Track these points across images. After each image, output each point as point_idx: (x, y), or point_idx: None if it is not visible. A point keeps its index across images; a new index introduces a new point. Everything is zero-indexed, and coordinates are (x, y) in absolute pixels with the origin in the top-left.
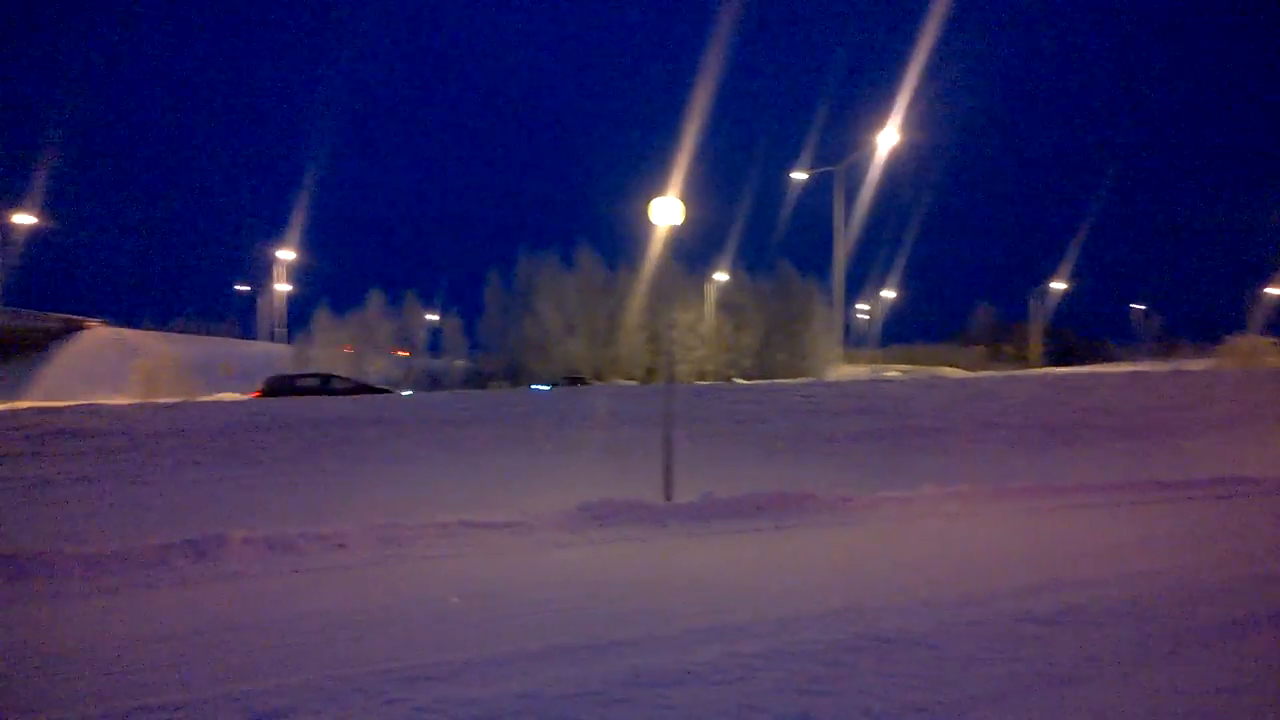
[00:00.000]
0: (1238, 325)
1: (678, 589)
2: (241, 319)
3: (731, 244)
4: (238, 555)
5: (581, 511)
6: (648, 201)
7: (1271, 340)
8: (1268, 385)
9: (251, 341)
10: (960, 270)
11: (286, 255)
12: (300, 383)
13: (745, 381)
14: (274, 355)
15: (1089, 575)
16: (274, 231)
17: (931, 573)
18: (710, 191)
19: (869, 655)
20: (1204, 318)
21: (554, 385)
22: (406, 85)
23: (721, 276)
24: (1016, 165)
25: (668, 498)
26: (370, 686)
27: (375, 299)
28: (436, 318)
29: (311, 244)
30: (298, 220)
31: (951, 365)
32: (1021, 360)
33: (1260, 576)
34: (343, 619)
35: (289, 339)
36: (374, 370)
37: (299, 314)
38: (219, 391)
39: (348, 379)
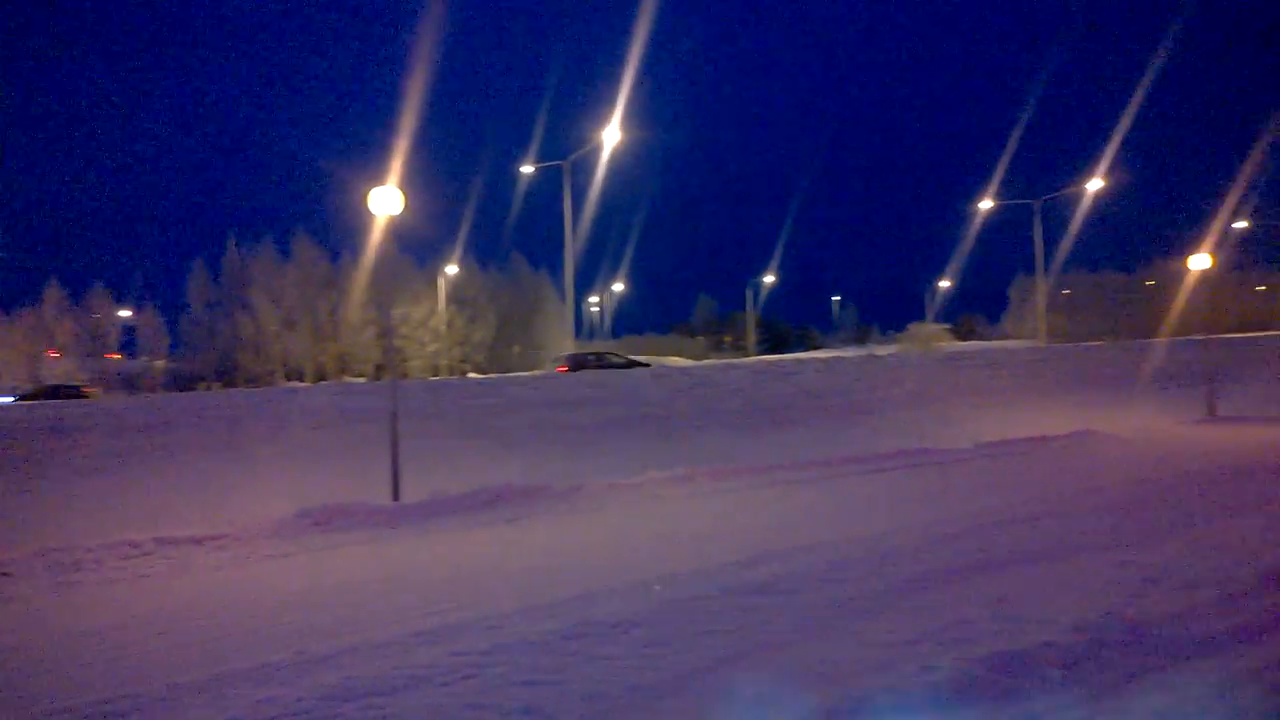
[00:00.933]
0: (918, 314)
1: (402, 591)
2: None
3: (464, 237)
4: None
5: (300, 518)
6: (369, 190)
7: (946, 327)
8: (943, 367)
9: None
10: (685, 264)
11: None
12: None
13: (480, 375)
14: None
15: (796, 544)
16: None
17: (655, 553)
18: (442, 184)
19: (593, 640)
20: (890, 308)
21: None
22: (95, 52)
23: (453, 270)
24: (734, 165)
25: (396, 498)
26: None
27: (53, 294)
28: (130, 314)
29: None
30: None
31: (677, 355)
32: (740, 349)
33: (943, 536)
34: None
35: None
36: (53, 375)
37: None
38: None
39: (620, 355)
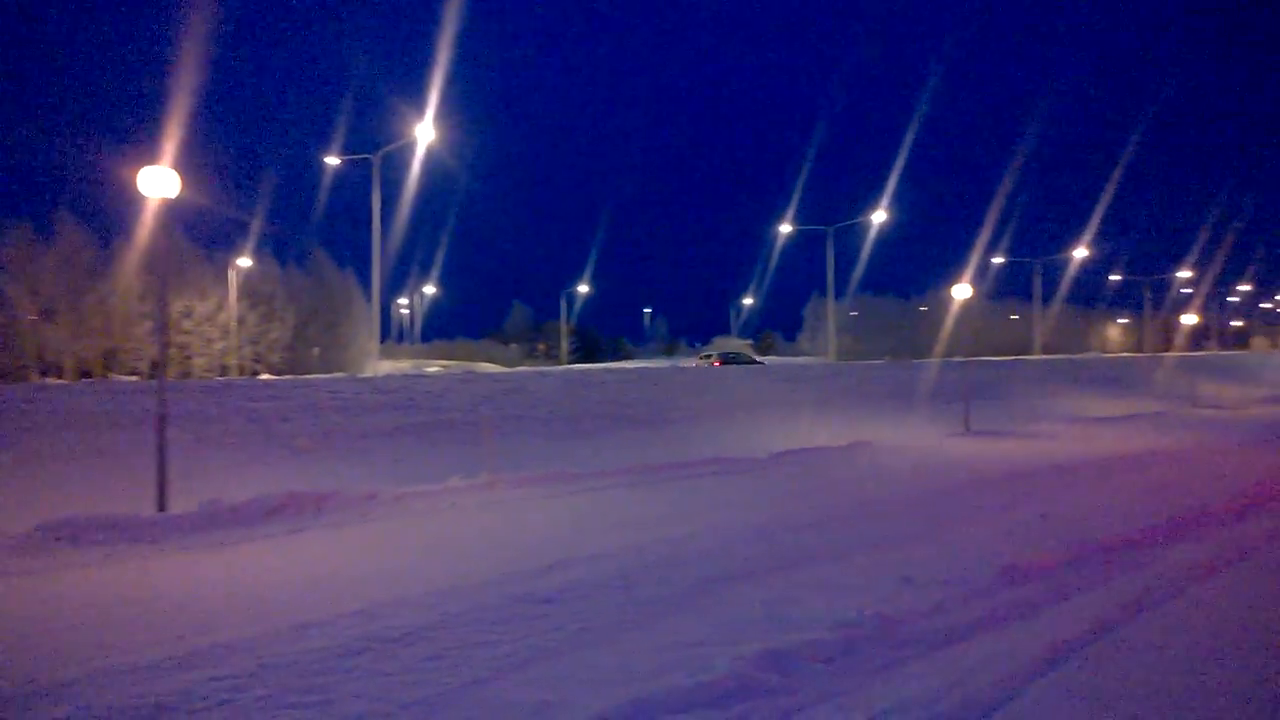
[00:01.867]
0: (724, 329)
1: (156, 611)
2: None
3: (261, 230)
4: None
5: (42, 532)
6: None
7: (748, 342)
8: (744, 379)
9: None
10: (501, 270)
11: None
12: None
13: (272, 377)
14: None
15: (591, 551)
16: None
17: (448, 563)
18: (241, 173)
19: (371, 656)
20: (699, 322)
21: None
22: None
23: (247, 263)
24: (552, 174)
25: (161, 508)
26: None
27: None
28: None
29: None
30: None
31: (490, 361)
32: (553, 358)
33: (730, 541)
34: None
35: None
36: None
37: None
38: None
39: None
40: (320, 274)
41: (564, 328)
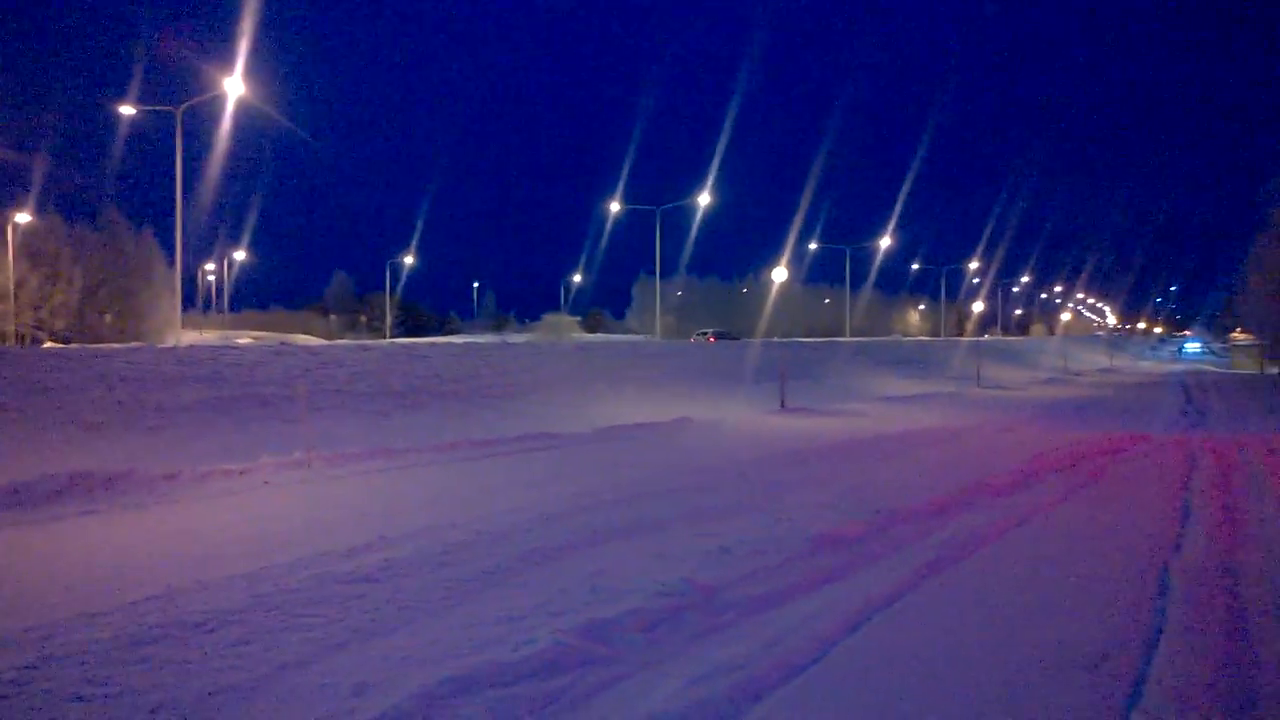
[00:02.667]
0: (554, 305)
1: None
2: None
3: (44, 182)
4: None
5: None
6: None
7: (577, 319)
8: (571, 356)
9: None
10: (321, 238)
11: None
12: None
13: (57, 345)
14: None
15: (412, 528)
16: None
17: (256, 543)
18: (16, 116)
19: (172, 644)
20: (530, 298)
21: None
22: None
23: (27, 219)
24: (380, 141)
25: None
26: None
27: None
28: None
29: None
30: None
31: (308, 333)
32: (376, 331)
33: (555, 515)
34: None
35: None
36: None
37: None
38: None
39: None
40: (114, 234)
41: (389, 300)
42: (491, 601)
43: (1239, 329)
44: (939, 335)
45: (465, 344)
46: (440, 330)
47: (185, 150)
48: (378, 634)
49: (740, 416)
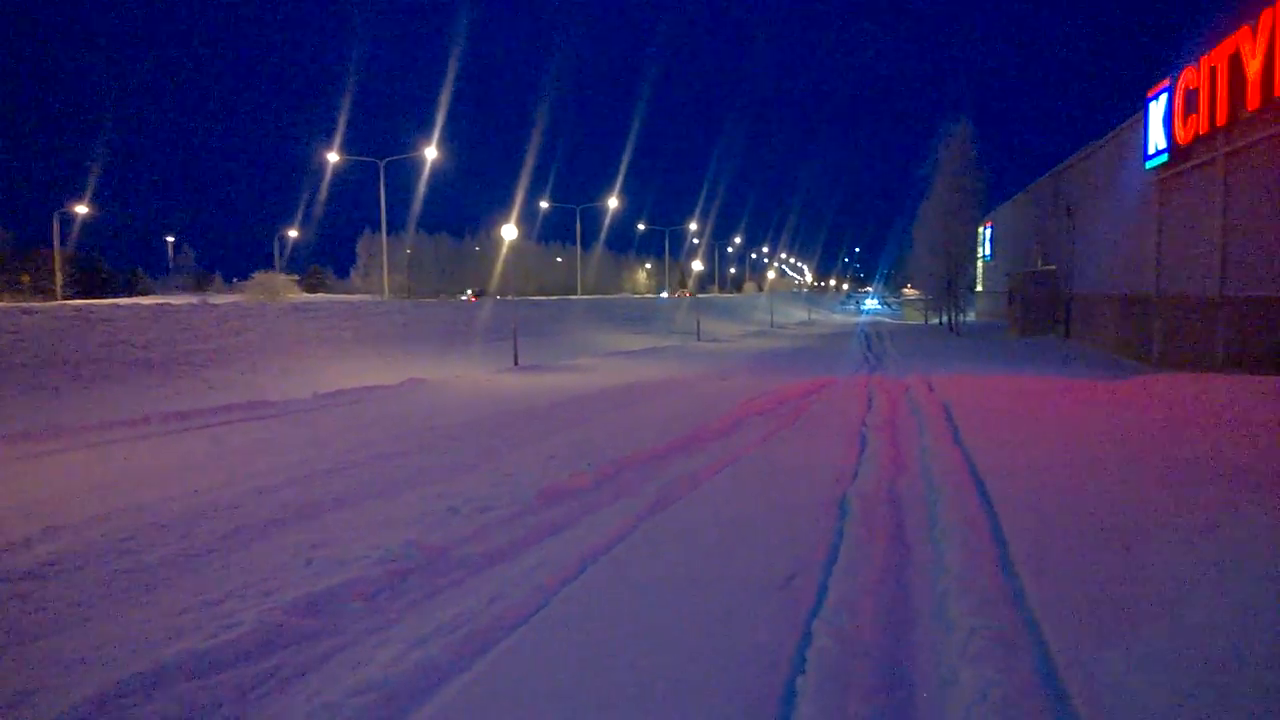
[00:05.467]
0: (267, 264)
1: None
2: None
3: None
4: None
5: None
6: None
7: (294, 278)
8: (288, 318)
9: None
10: None
11: None
12: None
13: None
14: None
15: (90, 515)
16: None
17: None
18: None
19: None
20: (238, 256)
21: None
22: None
23: None
24: (45, 65)
25: None
26: None
27: None
28: None
29: None
30: None
31: None
32: (44, 292)
33: (265, 488)
34: None
35: None
36: None
37: None
38: None
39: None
40: None
41: (58, 255)
42: (188, 587)
43: (909, 285)
44: (665, 293)
45: (157, 306)
46: (128, 291)
47: None
48: (44, 636)
49: (474, 375)
